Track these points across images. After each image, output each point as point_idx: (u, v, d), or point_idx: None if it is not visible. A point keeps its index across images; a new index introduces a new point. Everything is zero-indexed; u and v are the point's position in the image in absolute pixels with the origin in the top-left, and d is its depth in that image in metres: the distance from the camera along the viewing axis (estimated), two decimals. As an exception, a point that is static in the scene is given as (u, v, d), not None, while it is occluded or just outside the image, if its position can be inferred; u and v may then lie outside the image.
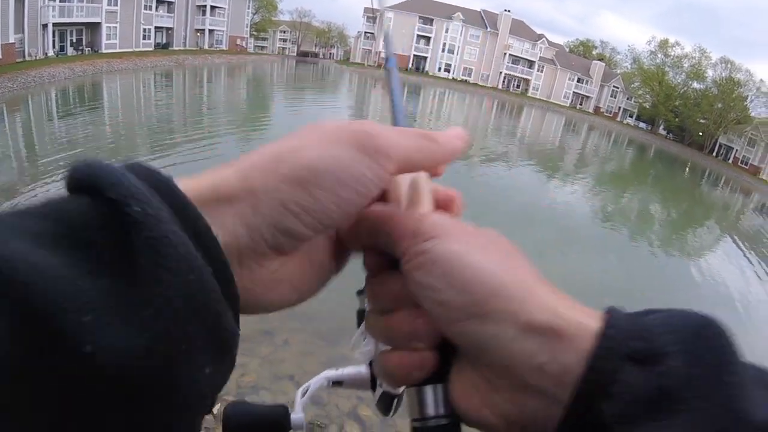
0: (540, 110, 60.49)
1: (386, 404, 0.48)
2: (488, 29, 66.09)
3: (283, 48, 73.08)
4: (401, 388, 0.44)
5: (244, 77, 41.22)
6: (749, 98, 58.30)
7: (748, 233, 25.61)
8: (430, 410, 0.34)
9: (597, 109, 69.16)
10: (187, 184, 0.29)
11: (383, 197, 0.39)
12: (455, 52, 66.40)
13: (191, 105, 24.41)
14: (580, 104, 69.21)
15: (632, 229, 19.93)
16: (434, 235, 0.34)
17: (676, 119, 63.37)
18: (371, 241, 0.38)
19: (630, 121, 69.23)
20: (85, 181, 0.26)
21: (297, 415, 0.43)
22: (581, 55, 73.94)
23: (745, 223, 29.02)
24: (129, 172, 0.27)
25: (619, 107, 69.79)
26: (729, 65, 60.21)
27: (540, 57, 66.98)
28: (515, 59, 66.86)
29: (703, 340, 0.29)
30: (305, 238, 0.33)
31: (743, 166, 56.79)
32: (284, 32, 79.45)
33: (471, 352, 0.33)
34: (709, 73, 62.38)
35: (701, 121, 60.65)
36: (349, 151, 0.33)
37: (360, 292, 0.50)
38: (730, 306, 13.62)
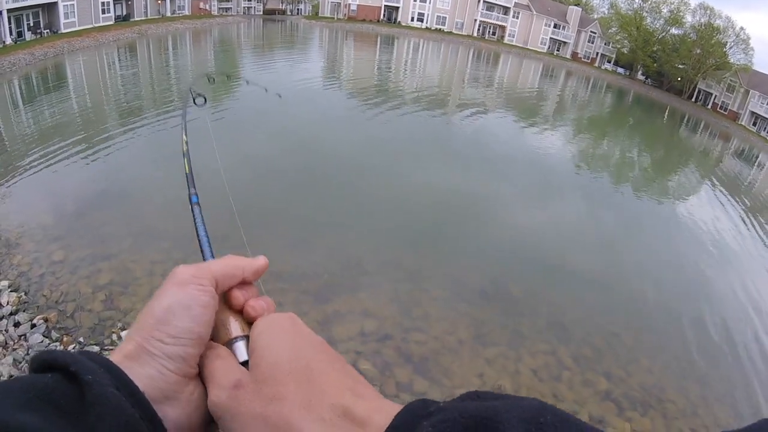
0: (517, 57, 59.24)
1: None
2: (462, -25, 63.82)
3: (249, 7, 69.67)
4: None
5: (210, 42, 39.58)
6: (728, 45, 57.45)
7: (728, 177, 25.21)
8: None
9: (575, 55, 67.88)
10: (114, 358, 0.43)
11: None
12: (427, 0, 64.05)
13: (158, 76, 23.46)
14: (558, 50, 67.84)
15: (612, 174, 19.33)
16: (219, 408, 0.43)
17: (655, 64, 62.65)
18: None
19: (608, 66, 68.37)
20: (55, 362, 0.40)
21: None
22: (557, 0, 71.91)
23: (724, 168, 28.58)
24: (82, 354, 0.40)
25: (597, 53, 68.63)
26: (708, 11, 59.28)
27: (515, 3, 65.08)
28: (490, 6, 64.90)
29: None
30: (192, 355, 0.46)
31: (722, 111, 56.89)
32: (249, -10, 76.10)
33: None
34: (688, 18, 61.54)
35: (680, 66, 60.15)
36: (175, 288, 0.47)
37: None
38: (705, 248, 13.43)
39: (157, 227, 8.40)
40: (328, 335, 6.45)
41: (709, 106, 59.21)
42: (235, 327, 0.50)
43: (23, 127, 14.01)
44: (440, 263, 8.93)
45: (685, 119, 48.47)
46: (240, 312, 0.52)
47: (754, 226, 16.30)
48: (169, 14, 46.51)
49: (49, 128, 13.73)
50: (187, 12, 49.78)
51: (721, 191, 20.47)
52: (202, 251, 0.62)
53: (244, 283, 0.53)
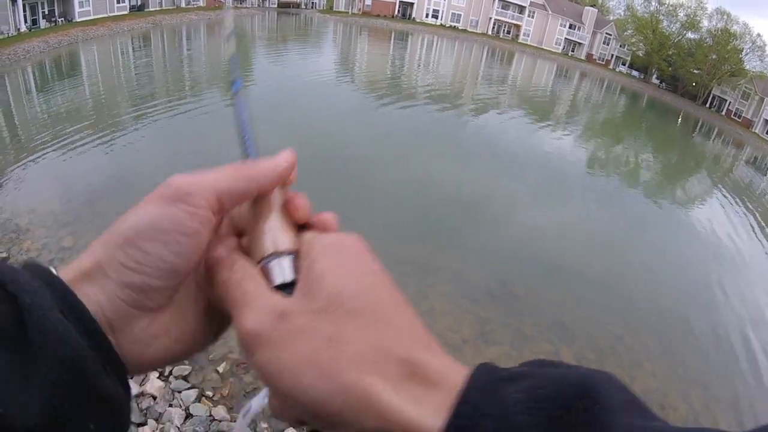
0: (531, 57, 58.89)
1: None
2: (477, -27, 63.53)
3: (264, 0, 69.85)
4: None
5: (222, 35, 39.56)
6: (744, 51, 57.08)
7: (740, 185, 25.00)
8: None
9: (589, 56, 67.25)
10: (65, 273, 0.35)
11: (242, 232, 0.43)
12: (443, -3, 63.92)
13: (171, 66, 23.49)
14: (572, 51, 67.26)
15: (623, 177, 19.27)
16: (252, 347, 0.34)
17: (670, 68, 62.17)
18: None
19: (623, 69, 67.69)
20: None
21: None
22: (573, 0, 71.42)
23: (737, 175, 28.36)
24: (25, 270, 0.33)
25: (612, 55, 67.96)
26: (725, 16, 58.83)
27: (531, 2, 64.54)
28: (505, 4, 64.48)
29: (565, 426, 0.27)
30: (155, 288, 0.36)
31: (736, 118, 56.33)
32: (264, -17, 76.10)
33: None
34: (705, 23, 60.97)
35: (695, 71, 59.72)
36: (159, 204, 0.37)
37: None
38: (717, 255, 13.31)
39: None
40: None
41: (723, 113, 58.50)
42: (275, 238, 0.39)
43: (36, 113, 14.12)
44: (447, 258, 8.94)
45: (699, 125, 48.06)
46: (282, 220, 0.42)
47: (764, 233, 16.20)
48: (183, 5, 46.44)
49: (61, 115, 13.79)
50: (201, 3, 49.75)
51: (731, 198, 20.32)
52: (243, 149, 0.48)
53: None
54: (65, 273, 0.35)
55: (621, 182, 18.08)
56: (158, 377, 4.83)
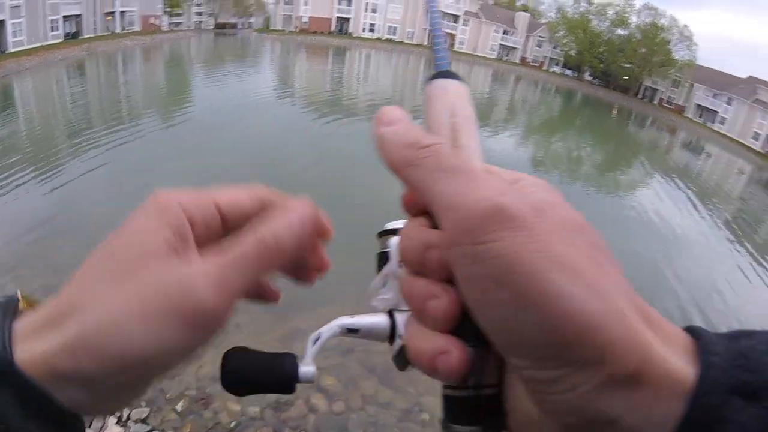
0: (467, 64, 60.03)
1: (404, 359, 0.41)
2: (411, -14, 64.54)
3: (199, 22, 68.87)
4: None
5: (161, 58, 38.95)
6: (673, 42, 59.68)
7: (677, 168, 26.14)
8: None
9: (523, 60, 69.13)
10: (28, 321, 0.30)
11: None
12: (378, 11, 64.59)
13: (108, 95, 22.75)
14: (507, 56, 68.96)
15: (565, 171, 19.82)
16: (497, 234, 0.26)
17: (602, 65, 64.32)
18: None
19: (556, 69, 69.63)
20: None
21: (307, 368, 0.39)
22: (506, 6, 73.36)
23: (674, 159, 29.63)
24: None
25: (545, 56, 69.95)
26: (653, 11, 61.53)
27: (465, 11, 66.06)
28: (440, 14, 65.66)
29: None
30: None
31: (668, 106, 59.45)
32: (199, 5, 74.96)
33: (527, 387, 0.28)
34: (633, 19, 63.54)
35: (626, 65, 62.04)
36: (171, 331, 0.30)
37: (382, 233, 0.46)
38: (659, 235, 13.87)
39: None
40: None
41: (656, 102, 61.55)
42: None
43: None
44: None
45: (633, 116, 50.15)
46: None
47: (704, 210, 16.93)
48: (119, 30, 45.38)
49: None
50: (137, 28, 48.70)
51: (669, 180, 21.18)
52: (434, 59, 0.42)
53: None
54: (28, 322, 0.30)
55: (563, 177, 18.58)
56: (116, 423, 4.65)
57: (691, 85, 56.96)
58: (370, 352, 6.68)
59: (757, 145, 50.13)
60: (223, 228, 0.36)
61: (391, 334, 0.42)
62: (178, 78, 28.59)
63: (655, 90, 62.68)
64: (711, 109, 54.09)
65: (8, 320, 0.29)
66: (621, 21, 63.67)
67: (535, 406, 0.28)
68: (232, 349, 0.38)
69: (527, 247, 0.25)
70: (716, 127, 51.95)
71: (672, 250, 12.67)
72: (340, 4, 63.72)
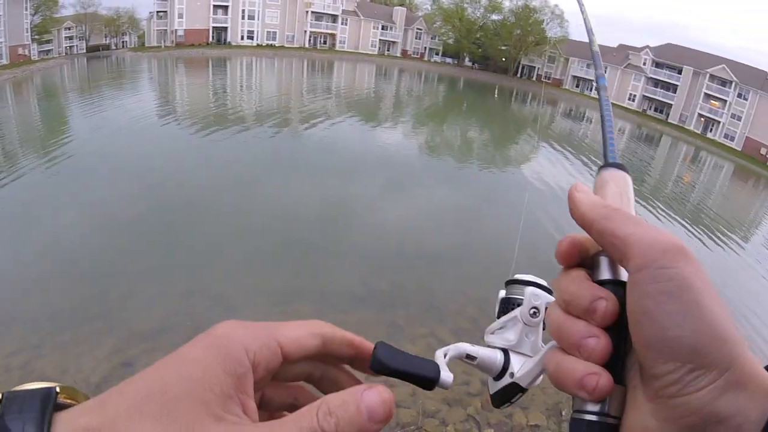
0: (350, 62, 60.57)
1: (507, 396, 0.48)
2: (286, -11, 63.80)
3: (71, 46, 64.17)
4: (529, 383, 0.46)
5: (33, 91, 35.55)
6: (545, 22, 63.13)
7: (561, 135, 27.51)
8: (592, 407, 0.37)
9: (404, 53, 70.63)
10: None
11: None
12: (256, 17, 63.20)
13: None
14: (388, 50, 70.21)
15: (458, 155, 20.27)
16: (678, 263, 0.34)
17: (480, 50, 67.23)
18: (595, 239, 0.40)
19: (437, 58, 71.83)
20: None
21: (448, 374, 0.42)
22: (382, 2, 74.42)
23: (557, 128, 31.19)
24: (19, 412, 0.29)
25: (425, 47, 71.86)
26: (524, -5, 64.64)
27: (342, 10, 66.26)
28: (318, 15, 65.50)
29: None
30: None
31: (547, 80, 63.42)
32: (69, 29, 69.94)
33: (659, 392, 0.34)
34: (506, 3, 66.41)
35: (503, 48, 65.32)
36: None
37: (511, 282, 0.51)
38: (553, 195, 14.59)
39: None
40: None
41: (534, 78, 65.27)
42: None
43: None
44: (306, 278, 8.63)
45: (515, 94, 52.64)
46: None
47: (593, 172, 17.76)
48: (-16, 64, 41.34)
49: None
50: (5, 61, 44.40)
51: (555, 147, 22.19)
52: (604, 143, 0.51)
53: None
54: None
55: (457, 160, 18.99)
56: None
57: (567, 59, 61.26)
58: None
59: (633, 106, 54.67)
60: (282, 365, 0.37)
61: (502, 370, 0.47)
62: (54, 111, 26.17)
63: (532, 68, 66.53)
64: (587, 79, 58.38)
65: (47, 418, 0.29)
66: (494, 7, 66.53)
67: (658, 414, 0.34)
68: (382, 342, 0.41)
69: (695, 275, 0.33)
70: (593, 94, 55.57)
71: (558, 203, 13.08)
72: (215, 13, 61.70)
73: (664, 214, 16.51)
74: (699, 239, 14.89)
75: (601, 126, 0.51)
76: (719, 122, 49.05)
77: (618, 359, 0.37)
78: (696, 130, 50.33)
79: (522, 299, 0.48)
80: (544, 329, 0.46)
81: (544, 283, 0.49)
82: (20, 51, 47.90)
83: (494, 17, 67.23)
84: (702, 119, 50.31)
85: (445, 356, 0.45)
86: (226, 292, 8.01)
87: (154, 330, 6.92)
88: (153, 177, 13.55)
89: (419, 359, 0.42)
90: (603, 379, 0.36)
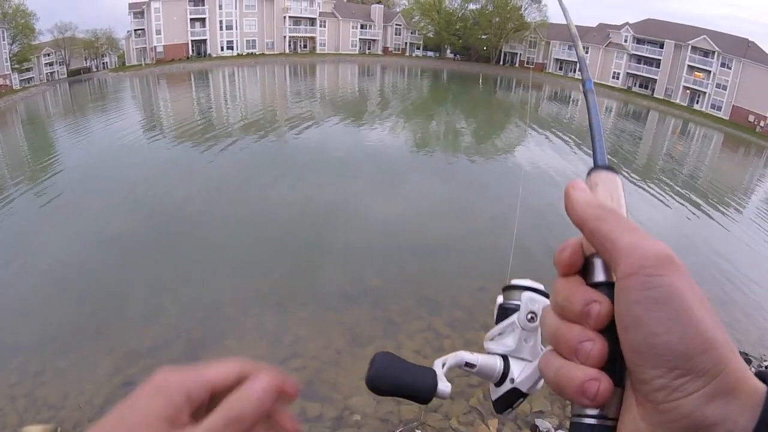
0: (332, 64, 60.62)
1: (508, 402, 0.49)
2: (262, -3, 63.65)
3: (52, 72, 63.77)
4: (529, 388, 0.47)
5: (17, 121, 35.24)
6: (523, 7, 63.13)
7: (548, 119, 27.55)
8: (590, 410, 0.37)
9: (385, 50, 70.63)
10: None
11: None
12: (234, 26, 63.04)
13: None
14: (369, 49, 70.20)
15: (447, 147, 20.32)
16: (666, 271, 0.35)
17: (460, 41, 67.15)
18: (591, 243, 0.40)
19: (418, 53, 71.85)
20: None
21: (445, 384, 0.43)
22: (359, 1, 74.33)
23: (545, 111, 31.25)
24: None
25: (406, 43, 71.77)
26: (500, -18, 64.42)
27: (320, 12, 66.14)
28: (296, 20, 65.40)
29: None
30: None
31: (529, 66, 63.22)
32: (48, 55, 69.63)
33: (648, 396, 0.35)
34: (483, -8, 66.35)
35: (483, 37, 65.21)
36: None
37: (508, 288, 0.52)
38: (548, 179, 14.63)
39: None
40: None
41: (517, 65, 65.16)
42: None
43: None
44: (297, 281, 8.68)
45: (499, 82, 52.66)
46: None
47: (583, 150, 17.83)
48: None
49: None
50: None
51: (543, 131, 22.21)
52: (593, 147, 0.50)
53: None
54: None
55: (446, 152, 18.99)
56: None
57: (548, 43, 61.15)
58: (287, 369, 6.28)
59: (618, 83, 54.75)
60: (211, 399, 0.41)
61: (503, 376, 0.47)
62: (40, 140, 25.95)
63: (514, 54, 66.38)
64: (569, 60, 58.49)
65: None
66: (471, -3, 66.38)
67: (648, 418, 0.35)
68: (383, 352, 0.42)
69: (683, 284, 0.34)
70: (577, 75, 55.79)
71: (553, 186, 13.17)
72: (193, 27, 61.44)
73: (656, 190, 16.58)
74: (692, 211, 14.98)
75: (589, 129, 0.51)
76: (705, 93, 49.12)
77: (616, 361, 0.37)
78: (682, 103, 50.38)
79: (519, 304, 0.48)
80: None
81: (540, 287, 0.49)
82: (1, 81, 47.62)
83: (472, 6, 67.25)
84: (687, 91, 50.39)
85: (443, 366, 0.46)
86: (220, 301, 8.05)
87: (152, 346, 6.96)
88: (141, 195, 13.58)
89: (418, 369, 0.43)
90: (603, 384, 0.36)
